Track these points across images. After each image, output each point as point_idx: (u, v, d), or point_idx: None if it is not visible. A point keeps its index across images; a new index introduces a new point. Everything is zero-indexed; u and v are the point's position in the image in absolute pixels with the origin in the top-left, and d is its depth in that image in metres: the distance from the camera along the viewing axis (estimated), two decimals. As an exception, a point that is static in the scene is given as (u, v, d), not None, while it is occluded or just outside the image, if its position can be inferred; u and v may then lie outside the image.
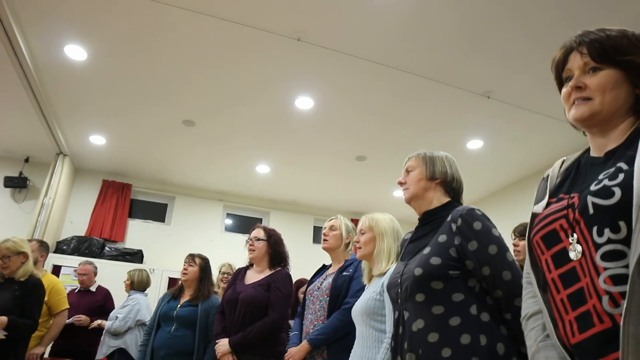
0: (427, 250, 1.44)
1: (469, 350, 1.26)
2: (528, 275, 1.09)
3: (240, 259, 4.34)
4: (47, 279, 3.47)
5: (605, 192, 0.86)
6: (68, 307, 3.62)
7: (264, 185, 7.00)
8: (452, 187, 1.63)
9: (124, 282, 4.45)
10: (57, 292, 3.49)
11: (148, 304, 4.34)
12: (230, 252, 5.16)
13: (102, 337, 4.05)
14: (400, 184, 1.69)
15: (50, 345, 3.86)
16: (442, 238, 1.43)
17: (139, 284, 4.39)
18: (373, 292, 1.90)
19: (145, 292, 4.47)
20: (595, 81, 0.98)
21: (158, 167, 6.67)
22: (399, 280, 1.50)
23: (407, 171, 1.67)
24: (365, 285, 2.10)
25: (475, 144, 5.33)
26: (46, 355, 3.87)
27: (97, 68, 4.31)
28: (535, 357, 0.97)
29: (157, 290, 5.98)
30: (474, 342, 1.27)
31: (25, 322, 2.71)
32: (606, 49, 0.98)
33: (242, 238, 7.12)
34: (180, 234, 7.03)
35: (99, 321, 4.13)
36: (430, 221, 1.57)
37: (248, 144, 5.71)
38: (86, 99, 4.90)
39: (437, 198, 1.60)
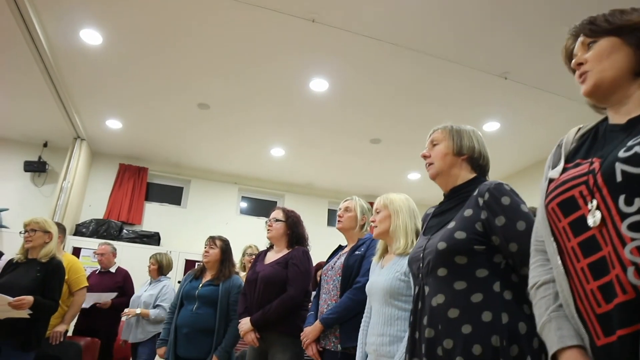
0: (451, 224, 1.42)
1: (490, 328, 1.25)
2: (537, 244, 1.07)
3: (255, 241, 4.41)
4: (66, 258, 3.55)
5: (638, 160, 0.83)
6: (87, 284, 3.71)
7: (279, 168, 7.02)
8: (479, 164, 1.58)
9: (149, 267, 4.36)
10: (76, 271, 3.57)
11: (173, 287, 4.37)
12: (245, 235, 5.22)
13: (133, 322, 4.04)
14: (425, 157, 1.63)
15: (73, 324, 3.97)
16: (468, 212, 1.40)
17: (167, 268, 4.38)
18: (397, 272, 1.90)
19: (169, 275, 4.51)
20: (591, 53, 1.01)
21: (173, 150, 6.73)
22: (421, 255, 1.48)
23: (432, 144, 1.62)
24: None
25: (491, 126, 5.26)
26: (69, 334, 3.98)
27: (112, 52, 4.33)
28: (546, 327, 0.95)
29: (175, 272, 6.08)
30: (495, 320, 1.26)
31: (49, 302, 2.78)
32: (597, 23, 1.02)
33: (257, 221, 7.27)
34: (196, 216, 7.12)
35: (136, 311, 3.99)
36: (455, 196, 1.54)
37: (263, 127, 5.72)
38: (102, 84, 4.94)
39: (463, 174, 1.56)
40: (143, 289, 4.34)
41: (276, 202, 7.75)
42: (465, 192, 1.50)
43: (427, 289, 1.42)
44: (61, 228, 3.97)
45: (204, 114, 5.44)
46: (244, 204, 7.72)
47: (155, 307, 4.08)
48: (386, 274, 1.95)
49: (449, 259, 1.36)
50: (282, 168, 7.01)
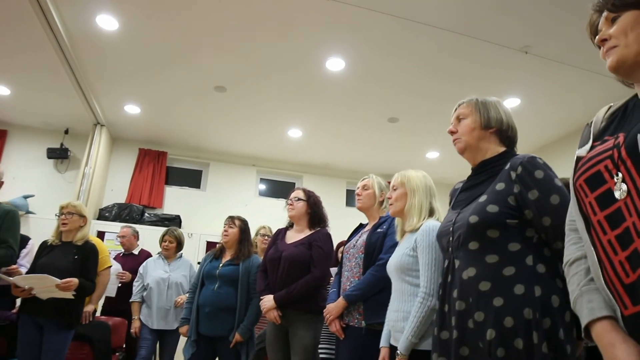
0: (483, 198, 1.42)
1: (522, 301, 1.26)
2: (571, 223, 1.07)
3: (274, 223, 4.44)
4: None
5: None
6: (111, 265, 3.80)
7: (296, 149, 7.02)
8: (507, 136, 1.56)
9: (166, 245, 4.03)
10: (101, 252, 3.65)
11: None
12: (264, 216, 5.25)
13: (160, 307, 3.78)
14: (451, 132, 1.62)
15: (101, 305, 4.09)
16: (500, 186, 1.40)
17: (183, 245, 4.16)
18: (406, 248, 1.91)
19: None
20: (614, 29, 0.99)
21: (191, 134, 6.77)
22: (451, 229, 1.48)
23: (458, 119, 1.60)
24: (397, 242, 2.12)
25: (511, 102, 5.15)
26: (98, 314, 4.10)
27: (128, 37, 4.35)
28: (578, 302, 0.96)
29: (196, 253, 6.19)
30: (528, 293, 1.26)
31: (89, 284, 2.88)
32: None
33: (275, 202, 7.32)
34: (215, 199, 7.19)
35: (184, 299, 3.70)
36: (484, 170, 1.53)
37: (279, 108, 5.71)
38: (119, 69, 4.97)
39: (492, 148, 1.55)
40: (161, 268, 3.96)
41: (294, 183, 7.78)
42: (496, 166, 1.49)
43: (457, 262, 1.43)
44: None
45: (221, 97, 5.44)
46: (262, 186, 7.76)
47: None
48: (398, 251, 1.97)
49: (480, 233, 1.37)
50: (299, 149, 7.01)
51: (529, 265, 1.30)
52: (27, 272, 2.87)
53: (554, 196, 1.32)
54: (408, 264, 1.88)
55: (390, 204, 2.08)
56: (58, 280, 2.65)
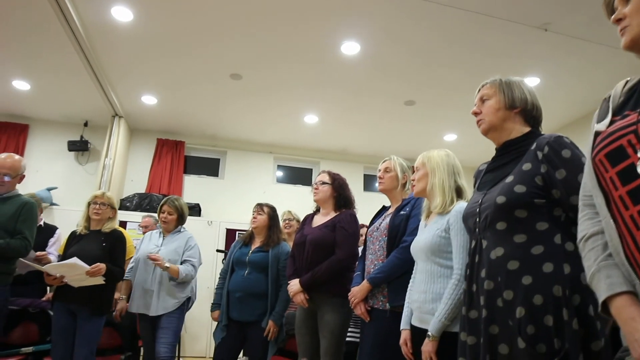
0: (510, 178, 1.41)
1: (551, 279, 1.26)
2: (585, 198, 1.06)
3: (292, 209, 4.45)
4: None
5: None
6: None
7: (313, 135, 7.01)
8: (532, 115, 1.55)
9: (164, 216, 3.38)
10: (127, 241, 3.73)
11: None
12: (283, 203, 5.26)
13: (147, 290, 3.15)
14: (475, 114, 1.61)
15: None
16: (527, 166, 1.40)
17: (186, 217, 3.51)
18: (437, 229, 1.90)
19: None
20: (629, 7, 0.98)
21: (208, 123, 6.81)
22: (478, 210, 1.49)
23: (482, 100, 1.59)
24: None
25: (531, 82, 5.05)
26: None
27: (143, 28, 4.37)
28: (595, 277, 0.95)
29: (216, 241, 6.26)
30: (557, 271, 1.26)
31: (117, 269, 2.95)
32: None
33: (293, 189, 7.34)
34: (234, 187, 7.25)
35: (165, 263, 3.11)
36: (510, 151, 1.52)
37: (295, 94, 5.69)
38: (135, 60, 5.00)
39: (517, 128, 1.54)
40: (153, 242, 3.37)
41: (311, 169, 7.79)
42: (522, 146, 1.48)
43: (484, 242, 1.43)
44: None
45: (237, 85, 5.45)
46: (279, 173, 7.79)
47: (182, 262, 3.25)
48: (427, 232, 1.95)
49: (508, 213, 1.37)
50: (316, 135, 7.00)
51: (558, 244, 1.30)
52: (59, 262, 2.94)
53: (581, 175, 1.30)
54: (439, 245, 1.87)
55: (413, 185, 2.07)
56: (87, 267, 2.72)
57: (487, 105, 1.56)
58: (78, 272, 2.73)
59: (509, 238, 1.36)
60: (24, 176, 2.98)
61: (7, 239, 2.64)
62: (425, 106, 5.86)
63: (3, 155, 2.93)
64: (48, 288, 3.58)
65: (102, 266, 2.79)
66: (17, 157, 2.97)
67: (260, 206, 3.24)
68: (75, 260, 2.71)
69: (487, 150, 1.63)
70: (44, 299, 3.35)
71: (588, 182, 1.03)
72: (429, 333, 1.75)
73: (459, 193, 1.97)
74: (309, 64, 4.93)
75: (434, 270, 1.88)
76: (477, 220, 1.48)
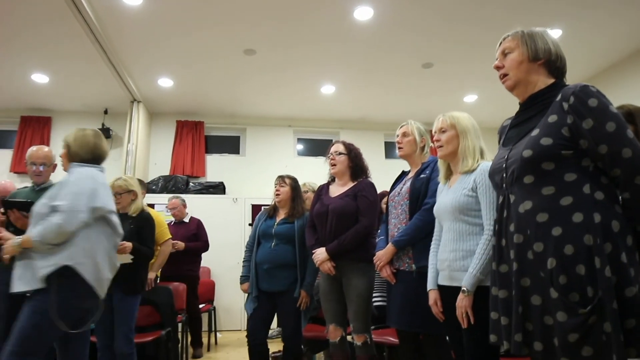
0: (535, 132, 1.40)
1: (582, 228, 1.25)
2: None
3: (315, 181, 4.47)
4: (151, 213, 3.79)
5: None
6: (170, 236, 3.98)
7: (331, 105, 6.96)
8: (557, 67, 1.50)
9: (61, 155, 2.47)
10: (160, 224, 3.82)
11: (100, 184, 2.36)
12: (304, 175, 5.28)
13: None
14: (497, 68, 1.57)
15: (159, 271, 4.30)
16: (553, 118, 1.37)
17: (83, 150, 2.36)
18: (463, 188, 1.90)
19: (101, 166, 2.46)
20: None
21: (226, 101, 6.82)
22: (504, 165, 1.48)
23: (504, 53, 1.55)
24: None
25: (553, 34, 4.86)
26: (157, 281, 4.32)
27: (152, 10, 4.35)
28: None
29: (242, 217, 6.36)
30: (587, 220, 1.26)
31: (145, 249, 3.03)
32: None
33: (314, 161, 7.34)
34: (255, 163, 7.30)
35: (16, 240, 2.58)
36: (534, 104, 1.49)
37: (310, 65, 5.63)
38: (149, 43, 5.01)
39: (542, 80, 1.50)
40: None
41: (331, 140, 7.71)
42: (546, 98, 1.45)
43: (512, 197, 1.43)
44: (143, 184, 4.22)
45: (251, 60, 5.42)
46: (300, 146, 7.80)
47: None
48: (453, 193, 1.95)
49: (535, 166, 1.36)
50: (334, 105, 6.95)
51: (587, 194, 1.29)
52: None
53: (609, 123, 1.29)
54: (467, 204, 1.88)
55: (440, 147, 2.03)
56: None
57: (509, 59, 1.53)
58: None
59: (537, 191, 1.35)
60: (56, 165, 3.07)
61: None
62: (443, 68, 5.73)
63: (35, 147, 3.03)
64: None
65: (127, 244, 2.88)
66: (46, 148, 3.09)
67: (282, 178, 3.26)
68: None
69: (509, 109, 1.60)
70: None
71: None
72: (464, 288, 1.77)
73: (481, 154, 1.98)
74: (322, 33, 4.86)
75: (462, 228, 1.89)
76: (504, 175, 1.47)
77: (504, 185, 1.47)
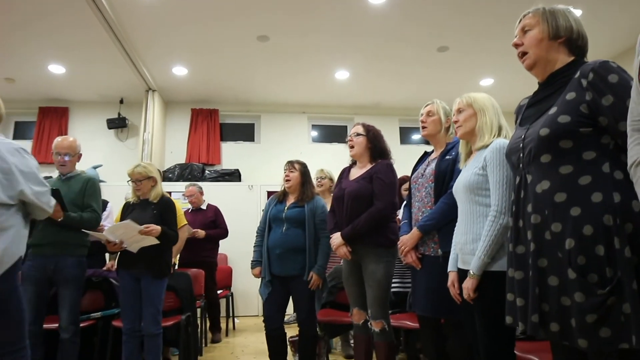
0: (553, 110, 1.37)
1: (601, 208, 1.23)
2: (634, 123, 1.02)
3: (329, 167, 4.47)
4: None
5: None
6: (186, 222, 4.03)
7: (345, 91, 6.92)
8: (578, 45, 1.47)
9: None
10: (177, 211, 3.87)
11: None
12: (319, 162, 5.30)
13: None
14: (516, 45, 1.53)
15: (178, 257, 4.38)
16: (571, 95, 1.34)
17: None
18: (475, 167, 1.88)
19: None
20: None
21: (240, 88, 6.83)
22: (521, 145, 1.46)
23: (523, 30, 1.51)
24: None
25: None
26: (176, 267, 4.39)
27: (167, -2, 4.37)
28: None
29: (258, 204, 6.40)
30: (607, 200, 1.23)
31: (171, 232, 3.08)
32: None
33: (329, 147, 7.34)
34: (270, 150, 7.32)
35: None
36: (553, 82, 1.46)
37: (324, 50, 5.59)
38: (162, 32, 5.04)
39: (561, 58, 1.46)
40: None
41: (346, 126, 7.74)
42: (565, 76, 1.42)
43: (529, 177, 1.41)
44: (159, 173, 4.28)
45: (265, 47, 5.41)
46: (314, 132, 7.79)
47: None
48: (466, 171, 1.93)
49: (553, 144, 1.34)
50: (348, 91, 6.91)
51: (606, 173, 1.27)
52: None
53: (630, 100, 1.25)
54: (477, 183, 1.84)
55: (459, 127, 2.01)
56: (140, 227, 2.87)
57: (529, 36, 1.49)
58: (133, 234, 2.88)
59: (555, 170, 1.33)
60: (81, 155, 3.13)
61: (80, 212, 2.87)
62: (459, 51, 5.65)
63: (60, 138, 3.10)
64: (107, 258, 3.80)
65: (155, 227, 2.93)
66: (71, 138, 3.15)
67: (291, 164, 3.26)
68: (128, 221, 2.87)
69: (526, 92, 1.57)
70: (104, 268, 3.56)
71: (637, 105, 0.99)
72: (470, 271, 1.77)
73: (499, 132, 1.93)
74: (336, 17, 4.81)
75: (474, 209, 1.87)
76: (521, 155, 1.45)
77: (521, 165, 1.45)
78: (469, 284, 1.77)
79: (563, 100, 1.36)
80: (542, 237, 1.35)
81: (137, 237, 2.90)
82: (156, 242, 2.94)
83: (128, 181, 3.19)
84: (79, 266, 2.94)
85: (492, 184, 1.79)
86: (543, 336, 1.34)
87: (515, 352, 1.81)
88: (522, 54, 1.52)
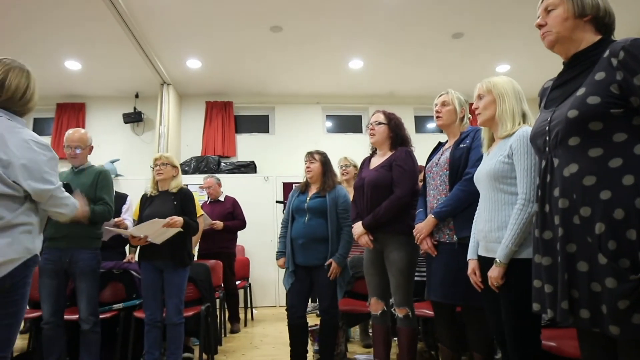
0: (581, 91, 1.33)
1: (632, 191, 1.20)
2: None
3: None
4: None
5: None
6: (202, 213, 4.06)
7: (359, 81, 6.87)
8: (604, 23, 1.42)
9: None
10: None
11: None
12: (335, 152, 5.27)
13: None
14: (539, 26, 1.49)
15: (197, 249, 4.42)
16: (600, 75, 1.30)
17: None
18: (500, 155, 1.85)
19: None
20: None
21: (254, 80, 6.82)
22: (547, 128, 1.42)
23: (547, 10, 1.47)
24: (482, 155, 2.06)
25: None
26: (195, 258, 4.43)
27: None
28: None
29: (274, 195, 6.42)
30: (638, 183, 1.20)
31: (193, 222, 3.12)
32: None
33: (344, 137, 7.32)
34: (285, 141, 7.32)
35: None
36: (579, 62, 1.42)
37: (337, 39, 5.54)
38: (175, 25, 5.04)
39: (587, 37, 1.42)
40: None
41: (360, 116, 7.70)
42: (592, 56, 1.38)
43: (556, 160, 1.38)
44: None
45: (278, 37, 5.38)
46: (329, 123, 7.76)
47: None
48: (490, 160, 1.91)
49: (581, 127, 1.30)
50: (362, 80, 6.85)
51: (638, 155, 1.23)
52: (136, 224, 3.14)
53: None
54: (503, 171, 1.82)
55: (478, 114, 1.99)
56: (164, 220, 2.91)
57: (552, 16, 1.44)
58: (158, 228, 2.92)
59: (583, 153, 1.30)
60: (92, 147, 3.15)
61: (92, 206, 2.85)
62: (474, 37, 5.56)
63: (70, 130, 3.11)
64: (127, 251, 3.84)
65: (179, 218, 2.97)
66: (82, 130, 3.16)
67: (311, 154, 3.26)
68: (155, 219, 2.92)
69: (543, 77, 1.53)
70: (124, 260, 3.60)
71: None
72: (497, 259, 1.75)
73: (523, 118, 1.90)
74: (348, 6, 4.77)
75: (498, 197, 1.84)
76: (547, 138, 1.42)
77: (547, 148, 1.42)
78: (495, 273, 1.75)
79: (592, 81, 1.32)
80: (570, 222, 1.32)
81: (161, 229, 2.94)
82: (179, 229, 2.98)
83: (151, 166, 3.22)
84: (94, 258, 2.95)
85: (520, 172, 1.76)
86: (572, 323, 1.32)
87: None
88: (545, 33, 1.47)
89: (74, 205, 1.98)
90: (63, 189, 1.90)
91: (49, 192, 1.81)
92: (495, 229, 1.82)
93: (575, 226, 1.30)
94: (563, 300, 1.31)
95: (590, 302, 1.26)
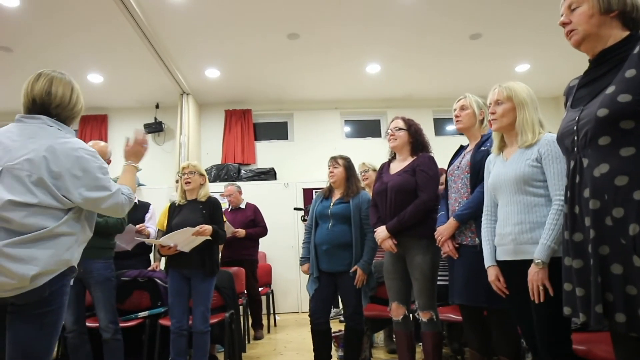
0: (611, 89, 1.30)
1: None
2: None
3: (364, 161, 4.42)
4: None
5: None
6: (225, 220, 4.08)
7: (377, 85, 6.86)
8: (632, 18, 1.38)
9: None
10: None
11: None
12: (354, 157, 5.25)
13: None
14: (564, 24, 1.45)
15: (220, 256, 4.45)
16: (631, 73, 1.26)
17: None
18: (527, 159, 1.84)
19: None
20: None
21: (271, 87, 6.86)
22: (575, 127, 1.39)
23: (570, 8, 1.44)
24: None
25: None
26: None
27: (196, 3, 4.43)
28: None
29: (294, 202, 6.43)
30: None
31: (221, 232, 3.16)
32: None
33: (363, 142, 7.30)
34: (304, 147, 7.34)
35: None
36: (607, 60, 1.38)
37: (354, 44, 5.55)
38: (194, 36, 5.12)
39: (615, 34, 1.38)
40: None
41: (379, 120, 7.67)
42: (621, 52, 1.34)
43: (585, 161, 1.35)
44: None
45: (295, 44, 5.41)
46: (347, 128, 7.76)
47: None
48: (515, 164, 1.89)
49: (612, 126, 1.27)
50: (380, 84, 6.84)
51: None
52: (164, 233, 3.19)
53: None
54: (532, 174, 1.81)
55: (495, 119, 1.97)
56: (194, 229, 2.95)
57: (577, 13, 1.41)
58: (187, 236, 2.96)
59: (615, 153, 1.26)
60: (110, 161, 3.19)
61: (106, 218, 2.88)
62: (492, 37, 5.50)
63: (90, 142, 3.15)
64: (152, 259, 3.88)
65: (208, 227, 3.00)
66: (102, 143, 3.22)
67: (334, 159, 3.25)
68: (187, 228, 2.95)
69: (565, 77, 1.50)
70: (149, 269, 3.64)
71: None
72: (538, 260, 1.71)
73: (543, 127, 1.91)
74: (364, 11, 4.77)
75: (527, 200, 1.83)
76: (575, 138, 1.39)
77: (575, 149, 1.39)
78: (540, 275, 1.70)
79: (622, 78, 1.28)
80: (602, 223, 1.28)
81: (190, 238, 2.97)
82: (208, 237, 3.01)
83: (178, 173, 3.24)
84: (108, 267, 2.97)
85: (552, 175, 1.76)
86: (606, 327, 1.28)
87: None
88: (569, 32, 1.44)
89: (129, 198, 1.93)
90: (122, 192, 1.87)
91: (104, 200, 1.78)
92: (527, 230, 1.80)
93: (608, 228, 1.27)
94: (597, 304, 1.27)
95: (626, 305, 1.22)
